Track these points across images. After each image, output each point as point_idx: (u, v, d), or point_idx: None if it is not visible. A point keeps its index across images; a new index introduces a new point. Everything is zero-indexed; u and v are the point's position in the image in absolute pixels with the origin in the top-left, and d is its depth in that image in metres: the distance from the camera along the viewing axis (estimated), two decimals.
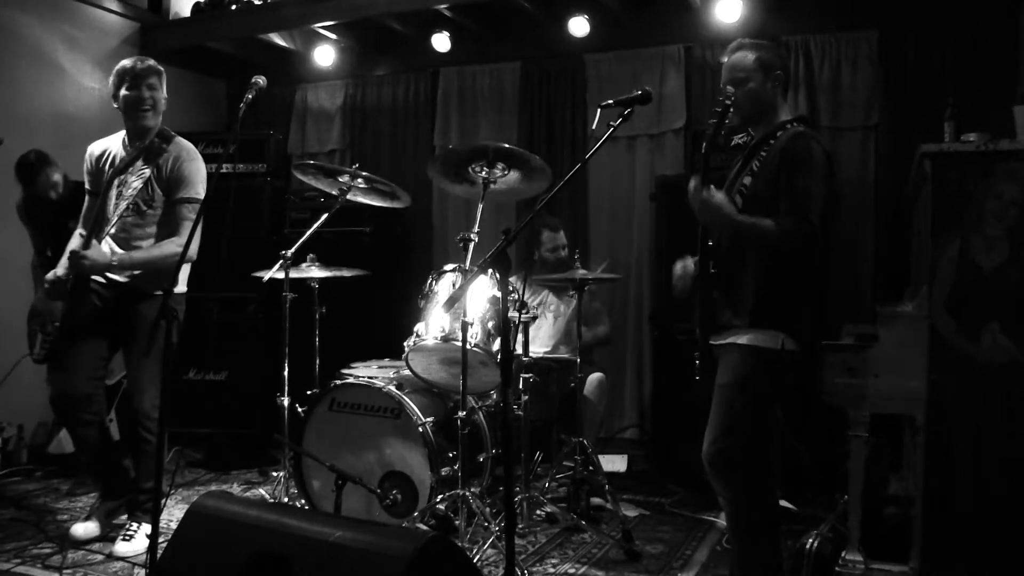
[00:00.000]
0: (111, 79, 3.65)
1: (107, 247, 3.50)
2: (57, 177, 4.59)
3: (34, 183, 4.60)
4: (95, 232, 3.55)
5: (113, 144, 3.73)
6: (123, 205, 3.56)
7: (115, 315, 3.61)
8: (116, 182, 3.61)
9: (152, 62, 3.64)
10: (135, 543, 3.57)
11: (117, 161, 3.67)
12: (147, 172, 3.58)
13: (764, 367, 2.70)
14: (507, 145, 3.80)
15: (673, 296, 2.99)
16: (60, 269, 3.57)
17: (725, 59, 2.90)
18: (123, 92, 3.59)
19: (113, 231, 3.56)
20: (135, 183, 3.58)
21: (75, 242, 3.64)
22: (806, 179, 2.64)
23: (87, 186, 3.78)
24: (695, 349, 2.88)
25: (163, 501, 3.63)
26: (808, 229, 2.61)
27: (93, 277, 3.57)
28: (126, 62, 3.63)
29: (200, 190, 3.62)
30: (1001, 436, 3.01)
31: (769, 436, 2.81)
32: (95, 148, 3.77)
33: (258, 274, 4.00)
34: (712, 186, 2.64)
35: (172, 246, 3.51)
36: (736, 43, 2.90)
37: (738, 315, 2.72)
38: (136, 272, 3.56)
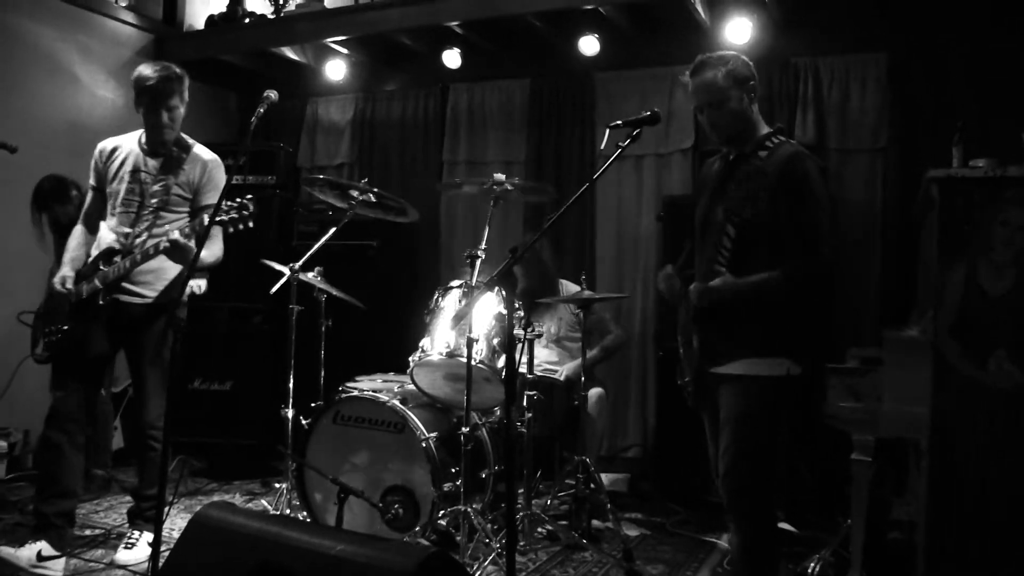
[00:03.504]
0: (132, 83, 3.64)
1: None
2: (69, 209, 4.59)
3: (49, 210, 4.62)
4: (130, 224, 3.58)
5: (127, 143, 3.73)
6: (147, 215, 3.58)
7: (120, 331, 3.62)
8: (129, 178, 3.63)
9: (171, 72, 3.60)
10: (137, 551, 3.58)
11: (130, 161, 3.66)
12: (168, 180, 3.60)
13: (772, 395, 2.68)
14: (516, 181, 3.84)
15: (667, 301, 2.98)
16: (69, 284, 3.55)
17: (687, 78, 2.81)
18: (143, 109, 3.62)
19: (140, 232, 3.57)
20: (155, 188, 3.59)
21: (78, 237, 3.71)
22: (812, 210, 2.64)
23: (92, 182, 3.77)
24: (683, 378, 2.89)
25: (166, 510, 3.65)
26: (819, 264, 2.63)
27: (118, 298, 3.54)
28: (146, 73, 3.59)
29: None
30: (1006, 463, 3.00)
31: (775, 460, 2.81)
32: (106, 145, 3.76)
33: (267, 263, 4.01)
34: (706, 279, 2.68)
35: (216, 248, 3.57)
36: (698, 61, 2.80)
37: (740, 344, 2.69)
38: (159, 287, 3.60)
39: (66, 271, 3.59)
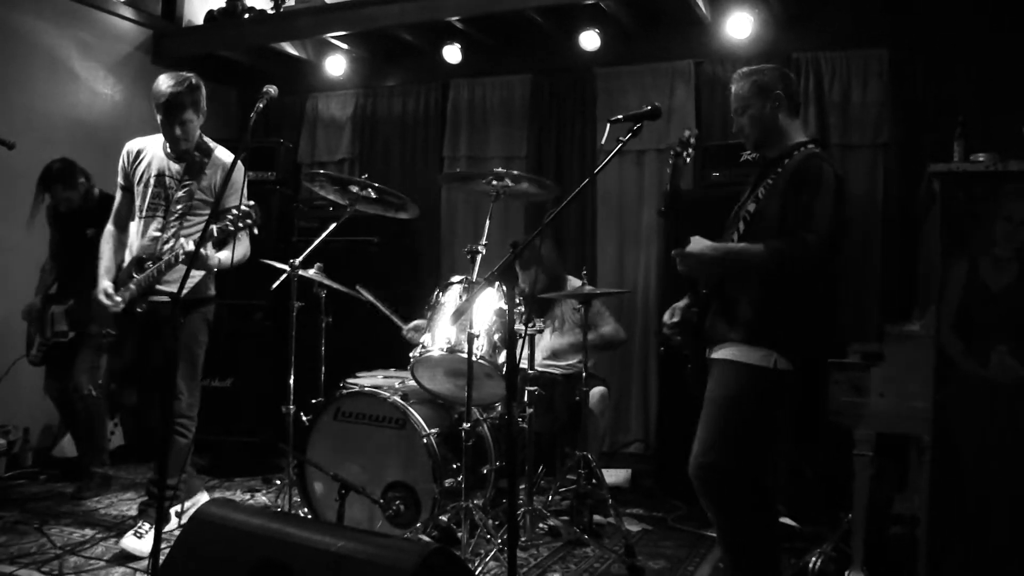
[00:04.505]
0: (152, 94, 3.71)
1: (211, 250, 3.57)
2: (72, 195, 4.61)
3: (52, 191, 4.62)
4: (158, 229, 3.72)
5: (152, 145, 3.83)
6: (173, 220, 3.70)
7: (153, 330, 3.74)
8: (154, 182, 3.74)
9: (183, 85, 3.63)
10: (144, 542, 3.58)
11: (154, 165, 3.77)
12: (191, 185, 3.72)
13: (755, 385, 2.70)
14: (516, 172, 3.85)
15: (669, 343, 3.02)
16: (113, 295, 3.66)
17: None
18: (158, 119, 3.68)
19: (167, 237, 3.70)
20: (179, 194, 3.72)
21: (110, 242, 3.81)
22: (810, 197, 2.66)
23: (120, 181, 3.88)
24: (687, 363, 2.91)
25: (170, 504, 3.68)
26: (802, 247, 2.61)
27: (151, 300, 3.66)
28: (160, 87, 3.64)
29: (246, 194, 3.74)
30: (1008, 457, 3.00)
31: (761, 454, 2.80)
32: (132, 147, 3.87)
33: (267, 262, 4.03)
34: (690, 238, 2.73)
35: (243, 248, 3.71)
36: (737, 73, 2.96)
37: (733, 329, 2.74)
38: (195, 282, 3.70)
39: (105, 283, 3.70)
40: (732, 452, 2.70)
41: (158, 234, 3.70)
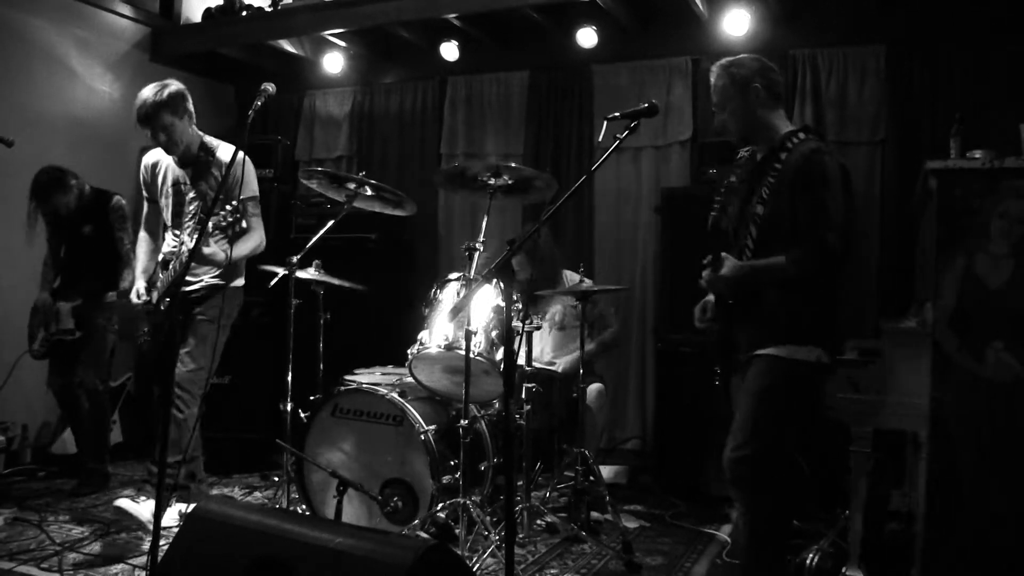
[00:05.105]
0: None
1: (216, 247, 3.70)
2: (69, 198, 4.59)
3: (49, 202, 4.60)
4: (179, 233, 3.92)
5: (164, 156, 3.98)
6: (188, 222, 3.88)
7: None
8: (172, 192, 3.93)
9: (154, 99, 3.72)
10: (141, 507, 3.67)
11: (169, 175, 3.95)
12: (201, 186, 3.87)
13: (799, 379, 2.71)
14: (514, 164, 3.84)
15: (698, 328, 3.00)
16: (151, 295, 3.87)
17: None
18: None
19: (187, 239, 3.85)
20: (191, 195, 3.89)
21: (144, 247, 4.10)
22: (820, 195, 2.65)
23: (145, 193, 4.11)
24: (710, 364, 2.91)
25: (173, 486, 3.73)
26: (823, 250, 2.62)
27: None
28: (136, 103, 3.76)
29: (256, 186, 3.91)
30: (1004, 454, 3.00)
31: (792, 449, 2.81)
32: (148, 160, 4.06)
33: (268, 267, 4.04)
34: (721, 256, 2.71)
35: (252, 242, 3.87)
36: (715, 66, 2.92)
37: (768, 331, 2.72)
38: (204, 269, 3.88)
39: (139, 283, 3.98)
40: (770, 443, 2.70)
41: (179, 236, 3.87)
